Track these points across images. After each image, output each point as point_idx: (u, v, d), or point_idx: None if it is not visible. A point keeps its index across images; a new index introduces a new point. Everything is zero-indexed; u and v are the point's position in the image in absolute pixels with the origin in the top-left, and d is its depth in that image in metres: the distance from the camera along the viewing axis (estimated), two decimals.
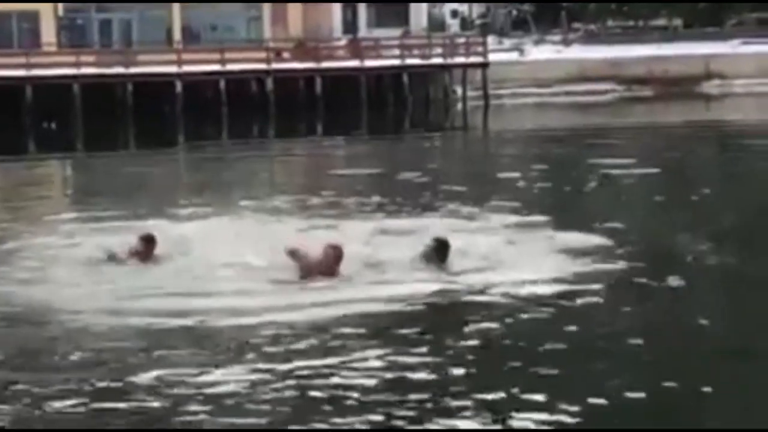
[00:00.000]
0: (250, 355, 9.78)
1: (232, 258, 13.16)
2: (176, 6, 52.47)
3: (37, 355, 10.04)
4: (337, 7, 58.11)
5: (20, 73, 45.19)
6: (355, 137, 39.41)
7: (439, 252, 12.61)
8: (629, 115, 46.67)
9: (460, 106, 51.08)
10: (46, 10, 50.83)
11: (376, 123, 44.80)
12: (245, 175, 28.12)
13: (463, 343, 10.16)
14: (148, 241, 13.12)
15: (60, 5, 51.18)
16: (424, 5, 61.21)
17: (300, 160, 34.27)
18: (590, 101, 51.57)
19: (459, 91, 51.82)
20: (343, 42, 54.68)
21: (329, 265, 12.30)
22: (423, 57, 51.53)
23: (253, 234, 14.86)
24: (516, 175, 24.57)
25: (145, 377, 9.02)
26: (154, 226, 15.32)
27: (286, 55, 50.31)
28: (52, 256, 13.95)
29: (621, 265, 13.43)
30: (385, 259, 12.91)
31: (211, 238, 14.46)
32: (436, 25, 60.13)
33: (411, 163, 28.52)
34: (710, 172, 27.83)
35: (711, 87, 55.77)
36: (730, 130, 39.97)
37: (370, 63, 49.92)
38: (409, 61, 50.70)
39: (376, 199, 20.88)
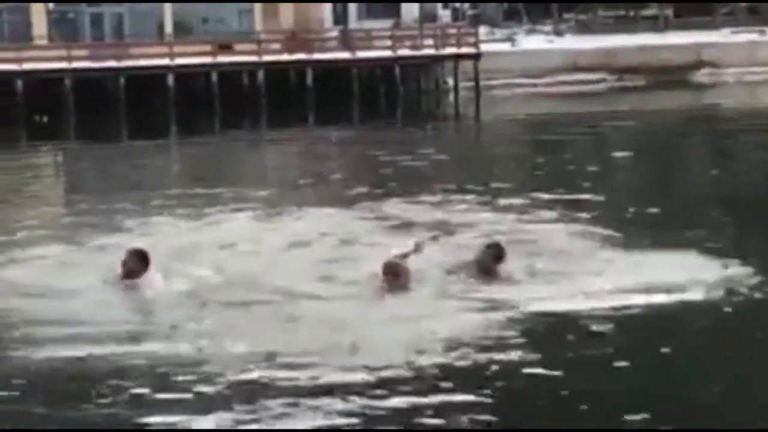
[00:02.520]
0: None
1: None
2: None
3: None
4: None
5: (11, 67, 44.99)
6: (349, 128, 39.64)
7: (496, 258, 11.79)
8: (622, 103, 46.67)
9: (451, 97, 50.95)
10: (36, 3, 50.65)
11: (368, 114, 44.75)
12: (239, 166, 28.21)
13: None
14: (140, 257, 11.55)
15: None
16: None
17: (293, 149, 34.36)
18: (582, 91, 51.59)
19: (450, 82, 51.71)
20: (334, 33, 54.45)
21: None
22: (414, 48, 51.38)
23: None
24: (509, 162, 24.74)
25: None
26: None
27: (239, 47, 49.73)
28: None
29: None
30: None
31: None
32: (428, 16, 59.90)
33: (407, 150, 28.62)
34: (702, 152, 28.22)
35: (702, 76, 55.82)
36: (721, 116, 40.22)
37: (361, 54, 49.82)
38: (401, 53, 50.56)
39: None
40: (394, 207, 17.83)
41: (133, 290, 11.41)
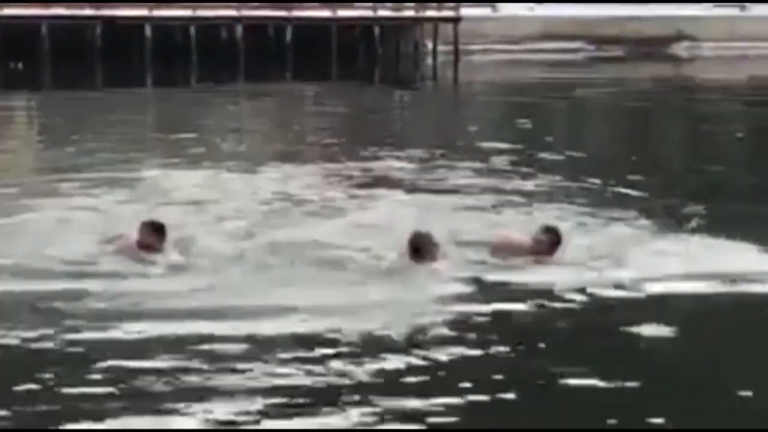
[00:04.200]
0: None
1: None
2: None
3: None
4: None
5: None
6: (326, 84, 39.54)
7: (554, 242, 10.83)
8: (599, 73, 46.78)
9: (430, 60, 50.84)
10: None
11: (346, 73, 44.65)
12: (208, 117, 28.15)
13: None
14: (158, 230, 10.56)
15: None
16: None
17: (266, 103, 34.29)
18: (560, 59, 51.58)
19: (430, 45, 51.56)
20: None
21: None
22: (394, 9, 51.15)
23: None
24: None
25: None
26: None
27: None
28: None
29: None
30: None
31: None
32: None
33: (382, 108, 28.65)
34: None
35: (681, 49, 55.96)
36: (696, 88, 40.50)
37: (341, 13, 49.57)
38: (381, 13, 50.32)
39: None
40: (355, 163, 17.96)
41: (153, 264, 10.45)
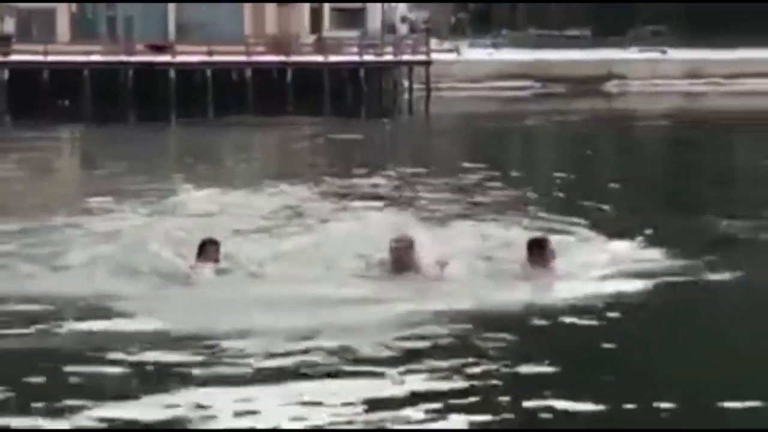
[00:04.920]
0: None
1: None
2: (171, 5, 51.99)
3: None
4: (305, 10, 57.79)
5: (39, 58, 44.33)
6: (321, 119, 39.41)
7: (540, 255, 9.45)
8: (543, 106, 46.82)
9: (407, 96, 50.82)
10: (61, 7, 50.12)
11: (337, 108, 44.53)
12: (228, 145, 28.03)
13: None
14: (215, 245, 10.03)
15: (73, 3, 50.40)
16: (378, 11, 61.05)
17: (271, 132, 34.21)
18: (513, 95, 51.64)
19: (406, 84, 51.55)
20: (310, 40, 54.11)
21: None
22: (377, 55, 51.21)
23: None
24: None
25: None
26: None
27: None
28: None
29: None
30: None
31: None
32: (388, 28, 59.84)
33: (367, 135, 28.57)
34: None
35: (612, 86, 56.08)
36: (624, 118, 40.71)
37: (332, 58, 49.54)
38: (365, 58, 50.34)
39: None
40: (347, 181, 17.86)
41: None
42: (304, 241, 11.35)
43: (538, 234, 10.14)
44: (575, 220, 12.70)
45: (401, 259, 9.38)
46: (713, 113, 40.75)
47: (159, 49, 46.84)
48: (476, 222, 12.69)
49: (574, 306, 8.60)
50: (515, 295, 8.87)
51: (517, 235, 10.91)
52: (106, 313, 8.51)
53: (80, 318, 8.39)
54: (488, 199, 15.63)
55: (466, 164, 20.86)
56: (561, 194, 15.99)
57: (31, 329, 8.11)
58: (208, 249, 9.97)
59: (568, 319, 8.34)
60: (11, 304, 8.74)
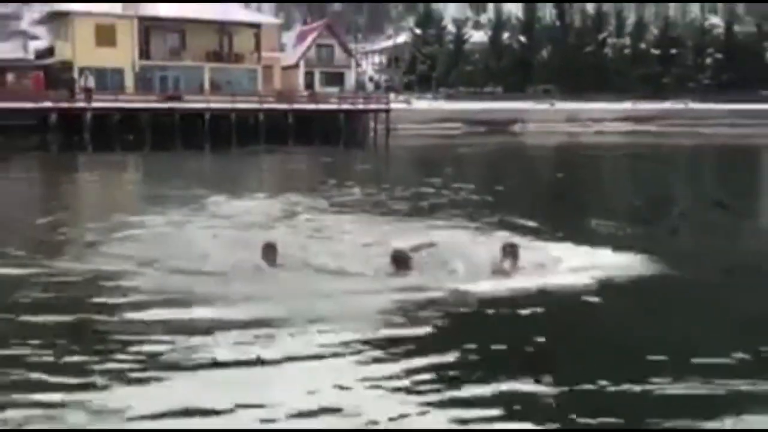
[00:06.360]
0: None
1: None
2: (206, 67, 51.44)
3: None
4: (302, 73, 57.70)
5: (112, 105, 43.43)
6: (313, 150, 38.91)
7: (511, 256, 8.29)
8: (469, 141, 46.77)
9: (372, 134, 50.47)
10: (128, 67, 49.30)
11: (324, 142, 44.07)
12: (246, 168, 27.42)
13: None
14: (274, 247, 8.88)
15: (137, 64, 49.47)
16: (353, 74, 61.36)
17: (276, 157, 33.66)
18: (448, 134, 51.55)
19: (372, 126, 51.22)
20: (305, 94, 53.76)
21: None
22: (352, 104, 50.85)
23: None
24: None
25: None
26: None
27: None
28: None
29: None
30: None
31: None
32: (360, 85, 59.92)
33: (344, 161, 28.09)
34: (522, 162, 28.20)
35: (517, 127, 56.27)
36: (526, 148, 40.65)
37: (321, 106, 49.10)
38: (344, 106, 49.95)
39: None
40: (334, 192, 17.40)
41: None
42: (340, 247, 9.75)
43: (509, 239, 9.03)
44: (498, 219, 12.49)
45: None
46: (585, 145, 41.25)
47: (172, 98, 45.65)
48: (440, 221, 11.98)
49: (544, 294, 7.55)
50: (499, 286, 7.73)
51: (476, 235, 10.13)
52: (190, 303, 7.31)
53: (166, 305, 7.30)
54: (442, 200, 15.34)
55: (418, 179, 20.62)
56: (489, 198, 15.76)
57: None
58: (268, 250, 8.89)
59: (539, 308, 7.27)
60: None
